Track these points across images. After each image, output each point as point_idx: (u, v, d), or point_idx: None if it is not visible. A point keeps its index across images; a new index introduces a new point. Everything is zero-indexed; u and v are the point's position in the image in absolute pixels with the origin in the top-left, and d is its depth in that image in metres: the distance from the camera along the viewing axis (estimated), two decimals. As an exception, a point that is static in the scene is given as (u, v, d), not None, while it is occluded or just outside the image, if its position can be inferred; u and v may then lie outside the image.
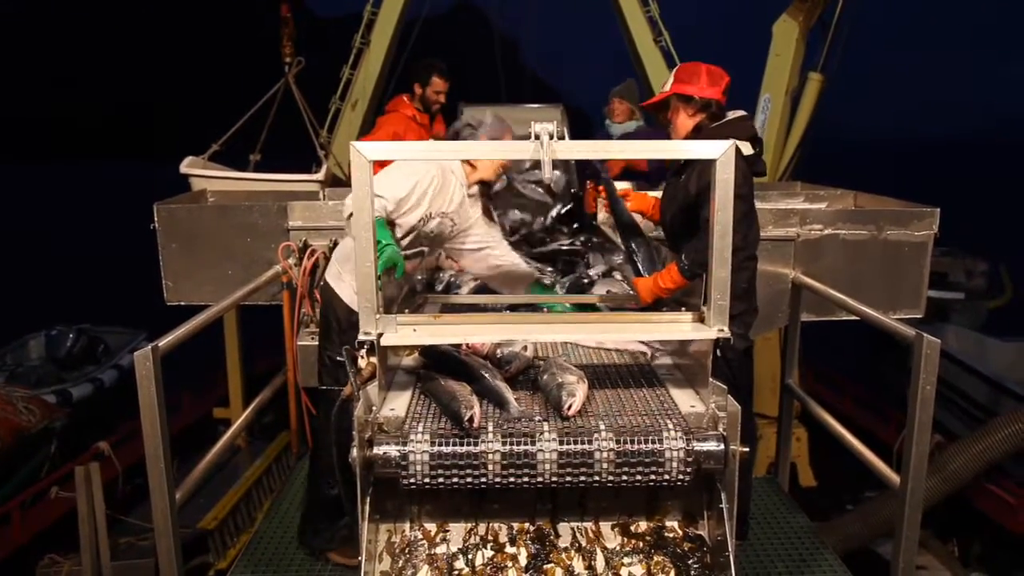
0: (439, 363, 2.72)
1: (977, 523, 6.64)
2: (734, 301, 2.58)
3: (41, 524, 6.26)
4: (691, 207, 3.26)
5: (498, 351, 2.80)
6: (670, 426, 2.33)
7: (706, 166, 2.92)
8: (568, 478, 2.29)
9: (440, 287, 3.95)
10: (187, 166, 6.10)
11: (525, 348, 2.82)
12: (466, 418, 2.28)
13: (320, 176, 6.12)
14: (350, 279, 3.22)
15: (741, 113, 3.37)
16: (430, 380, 2.57)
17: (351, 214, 2.86)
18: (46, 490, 6.50)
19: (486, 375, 2.55)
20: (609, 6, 8.58)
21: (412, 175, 3.14)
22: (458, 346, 2.76)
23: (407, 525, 2.53)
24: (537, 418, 2.39)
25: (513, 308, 3.73)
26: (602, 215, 4.94)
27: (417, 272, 3.46)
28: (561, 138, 2.33)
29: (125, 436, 7.33)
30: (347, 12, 8.62)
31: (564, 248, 4.44)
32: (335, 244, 3.92)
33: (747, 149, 3.20)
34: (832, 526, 5.97)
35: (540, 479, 2.28)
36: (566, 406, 2.39)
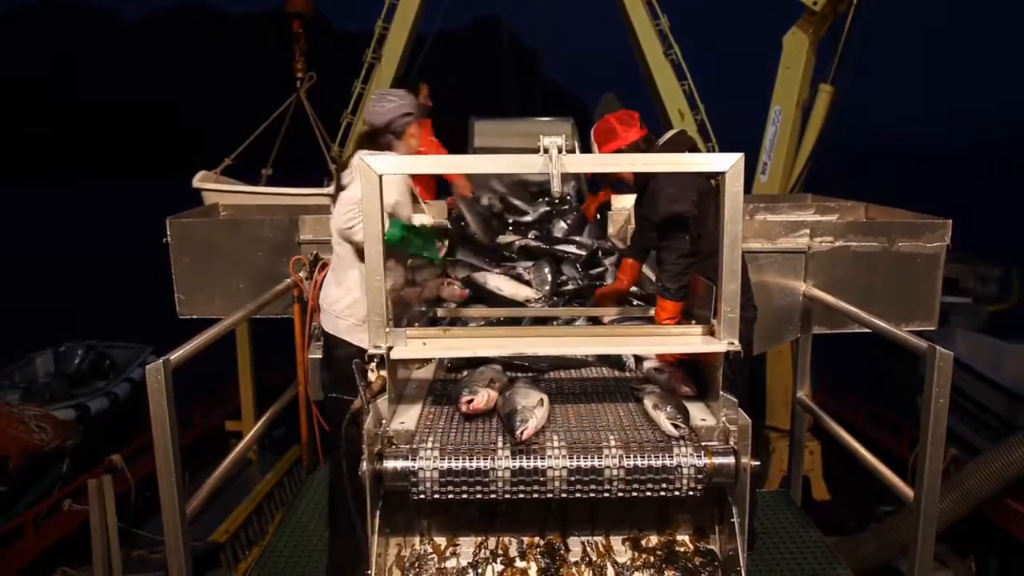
0: None
1: (996, 539, 6.56)
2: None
3: (54, 537, 6.28)
4: (654, 229, 3.36)
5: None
6: (680, 439, 2.32)
7: (656, 193, 3.22)
8: (578, 492, 2.28)
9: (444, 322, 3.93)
10: (200, 180, 6.14)
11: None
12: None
13: (331, 190, 6.15)
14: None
15: (677, 130, 3.58)
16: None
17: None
18: (59, 503, 6.53)
19: None
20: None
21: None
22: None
23: (417, 539, 2.52)
24: None
25: (515, 321, 3.74)
26: (611, 229, 4.94)
27: (417, 302, 3.46)
28: (571, 152, 2.34)
29: (138, 449, 7.37)
30: (370, 28, 8.66)
31: (594, 285, 4.41)
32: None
33: None
34: (847, 545, 5.90)
35: (550, 493, 2.28)
36: None
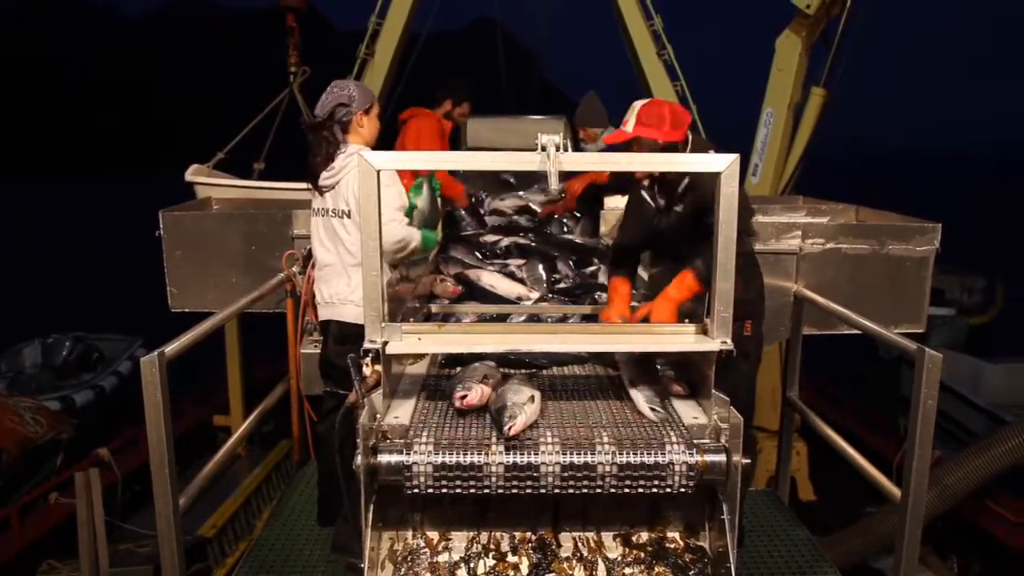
0: None
1: (977, 540, 6.62)
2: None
3: (40, 530, 6.25)
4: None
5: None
6: (673, 437, 2.34)
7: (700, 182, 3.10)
8: (570, 488, 2.30)
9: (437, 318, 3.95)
10: (192, 174, 6.12)
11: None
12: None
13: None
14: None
15: (694, 136, 3.28)
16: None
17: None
18: (45, 496, 6.49)
19: None
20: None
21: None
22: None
23: (409, 533, 2.54)
24: None
25: (508, 318, 3.76)
26: (604, 228, 4.96)
27: (410, 298, 3.48)
28: (566, 150, 2.35)
29: (124, 443, 7.33)
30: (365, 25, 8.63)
31: (587, 283, 4.43)
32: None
33: None
34: (830, 542, 5.95)
35: (543, 488, 2.29)
36: None
